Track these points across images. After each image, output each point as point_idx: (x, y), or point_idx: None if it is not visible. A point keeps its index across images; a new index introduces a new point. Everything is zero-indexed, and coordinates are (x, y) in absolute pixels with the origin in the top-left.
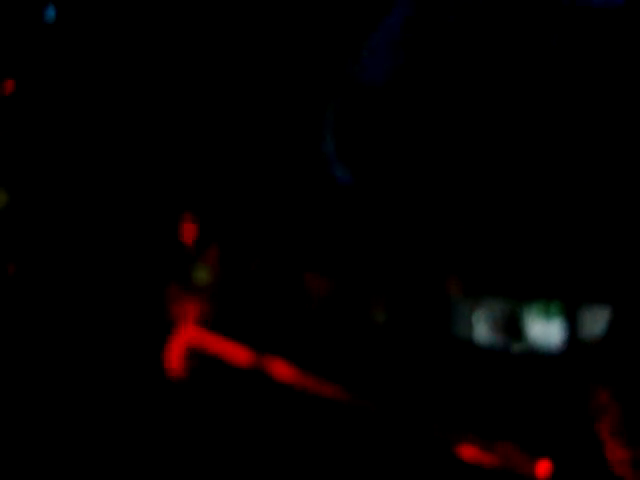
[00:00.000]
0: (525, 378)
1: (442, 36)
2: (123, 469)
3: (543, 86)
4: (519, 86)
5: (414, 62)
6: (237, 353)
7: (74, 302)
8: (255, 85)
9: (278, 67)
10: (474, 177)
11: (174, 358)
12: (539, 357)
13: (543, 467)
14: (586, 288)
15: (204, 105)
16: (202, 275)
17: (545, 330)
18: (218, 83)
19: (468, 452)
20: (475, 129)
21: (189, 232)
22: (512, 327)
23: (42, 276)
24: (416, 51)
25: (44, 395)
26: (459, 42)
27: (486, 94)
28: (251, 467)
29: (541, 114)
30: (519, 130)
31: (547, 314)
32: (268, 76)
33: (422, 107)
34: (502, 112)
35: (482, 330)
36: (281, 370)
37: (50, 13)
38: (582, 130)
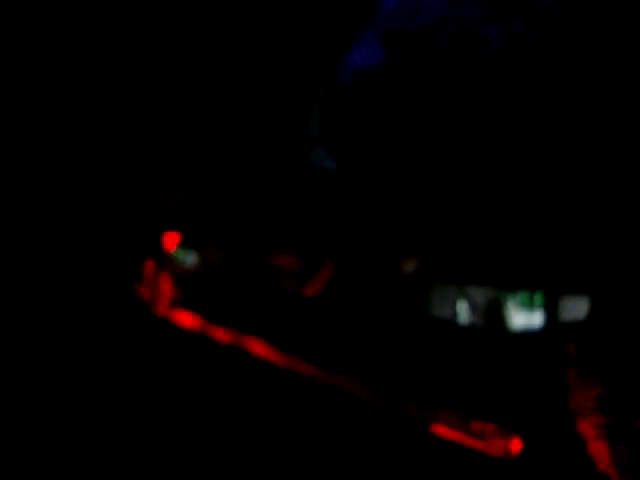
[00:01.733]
0: (499, 358)
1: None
2: (106, 450)
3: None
4: (509, 77)
5: (402, 50)
6: (215, 331)
7: (51, 282)
8: (241, 74)
9: (265, 55)
10: (462, 168)
11: (152, 334)
12: (514, 338)
13: (515, 445)
14: (567, 278)
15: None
16: (181, 256)
17: (526, 317)
18: (200, 70)
19: (441, 429)
20: (460, 118)
21: (170, 216)
22: (494, 315)
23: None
24: (405, 39)
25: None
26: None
27: (472, 83)
28: (230, 445)
29: (529, 108)
30: (506, 121)
31: (529, 303)
32: (255, 63)
33: (408, 95)
34: (488, 102)
35: (464, 317)
36: (259, 348)
37: None
38: (566, 127)
